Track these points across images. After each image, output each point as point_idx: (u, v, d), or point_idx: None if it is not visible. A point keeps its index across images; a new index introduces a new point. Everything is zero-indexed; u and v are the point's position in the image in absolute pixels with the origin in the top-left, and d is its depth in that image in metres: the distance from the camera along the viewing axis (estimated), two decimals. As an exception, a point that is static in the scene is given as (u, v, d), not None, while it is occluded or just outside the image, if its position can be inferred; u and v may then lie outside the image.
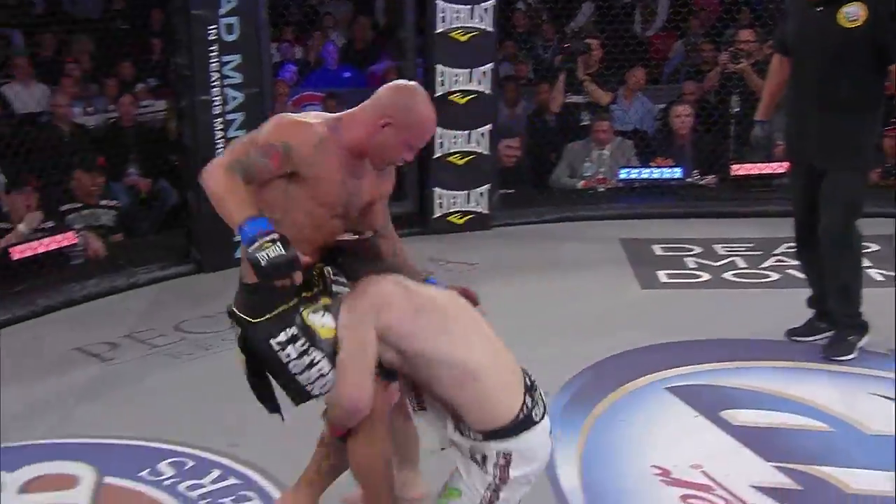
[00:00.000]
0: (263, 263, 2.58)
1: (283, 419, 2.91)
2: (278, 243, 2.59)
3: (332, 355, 2.71)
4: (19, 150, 5.90)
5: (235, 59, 5.90)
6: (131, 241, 6.39)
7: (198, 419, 4.08)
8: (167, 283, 5.99)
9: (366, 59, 8.51)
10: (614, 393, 4.17)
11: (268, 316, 2.75)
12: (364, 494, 2.86)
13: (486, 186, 6.95)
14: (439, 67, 6.62)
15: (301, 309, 2.75)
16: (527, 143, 7.68)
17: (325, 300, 2.81)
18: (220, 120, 5.93)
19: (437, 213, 6.92)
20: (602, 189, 7.40)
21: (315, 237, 2.81)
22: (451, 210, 6.94)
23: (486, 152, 6.87)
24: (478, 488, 2.55)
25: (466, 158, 6.83)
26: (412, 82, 2.89)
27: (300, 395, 2.79)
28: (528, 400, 2.58)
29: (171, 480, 3.58)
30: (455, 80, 6.66)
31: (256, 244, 2.60)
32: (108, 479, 3.62)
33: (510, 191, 7.24)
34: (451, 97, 6.66)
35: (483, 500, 2.54)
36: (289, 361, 2.73)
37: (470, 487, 2.56)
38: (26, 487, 3.60)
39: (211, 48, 5.82)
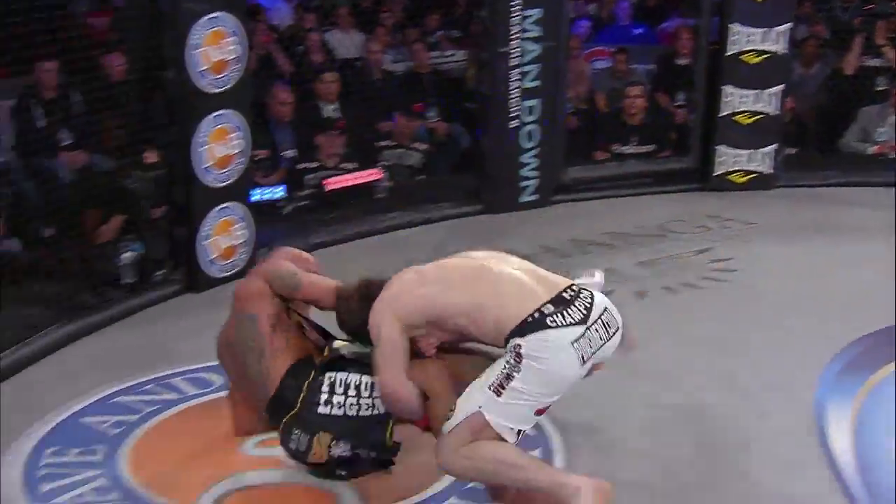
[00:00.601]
0: None
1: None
2: None
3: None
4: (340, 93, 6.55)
5: (536, 13, 6.21)
6: (427, 180, 6.91)
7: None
8: (457, 220, 6.46)
9: (657, 17, 8.56)
10: (890, 364, 4.16)
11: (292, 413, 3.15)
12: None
13: (773, 147, 6.90)
14: (734, 26, 6.62)
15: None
16: (818, 104, 7.49)
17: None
18: (516, 71, 6.30)
19: (719, 171, 6.96)
20: (894, 156, 7.11)
21: None
22: (734, 168, 6.95)
23: (775, 112, 6.81)
24: (496, 369, 2.93)
25: (754, 118, 6.80)
26: None
27: (375, 427, 3.14)
28: (549, 308, 2.90)
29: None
30: (749, 39, 6.63)
31: None
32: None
33: (792, 150, 7.13)
34: (742, 56, 6.66)
35: (498, 376, 2.91)
36: (344, 412, 3.12)
37: (493, 368, 2.95)
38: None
39: (513, 2, 6.15)
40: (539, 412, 2.98)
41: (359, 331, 3.14)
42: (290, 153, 6.49)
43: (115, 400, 3.90)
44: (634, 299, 5.10)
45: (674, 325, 4.73)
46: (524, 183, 6.57)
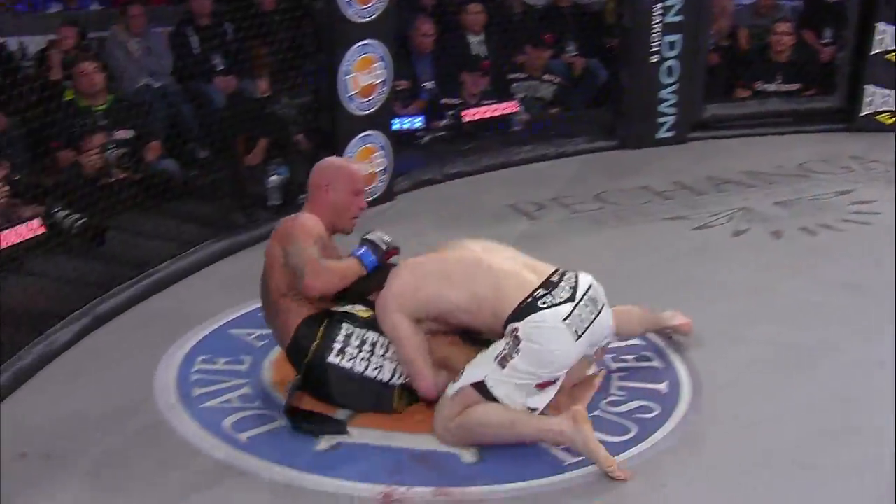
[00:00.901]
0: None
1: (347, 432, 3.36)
2: None
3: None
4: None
5: (681, -54, 6.10)
6: (563, 114, 6.92)
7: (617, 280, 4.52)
8: (592, 155, 6.48)
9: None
10: None
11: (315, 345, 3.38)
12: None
13: (925, 87, 6.64)
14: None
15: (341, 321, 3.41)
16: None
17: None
18: (658, 5, 6.23)
19: (866, 111, 6.74)
20: None
21: None
22: (882, 109, 6.71)
23: (931, 50, 6.54)
24: (498, 347, 3.21)
25: (907, 57, 6.55)
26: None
27: (382, 393, 3.38)
28: (540, 291, 3.20)
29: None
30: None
31: None
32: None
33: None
34: (899, -8, 6.40)
35: (499, 355, 3.18)
36: (352, 366, 3.35)
37: (495, 346, 3.22)
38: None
39: (658, -65, 6.06)
40: (540, 386, 3.19)
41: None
42: (429, 85, 6.61)
43: (261, 314, 4.13)
44: (769, 239, 5.06)
45: (809, 267, 4.68)
46: (661, 119, 6.52)
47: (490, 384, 3.19)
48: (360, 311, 3.48)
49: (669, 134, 6.55)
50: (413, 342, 3.32)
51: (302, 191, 5.30)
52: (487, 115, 6.30)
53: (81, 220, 4.59)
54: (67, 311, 4.11)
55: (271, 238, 3.52)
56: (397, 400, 3.43)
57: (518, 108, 6.49)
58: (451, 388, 3.25)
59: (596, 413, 3.43)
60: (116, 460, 3.26)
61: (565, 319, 3.17)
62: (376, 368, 3.39)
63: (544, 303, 3.18)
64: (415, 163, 5.97)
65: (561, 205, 5.63)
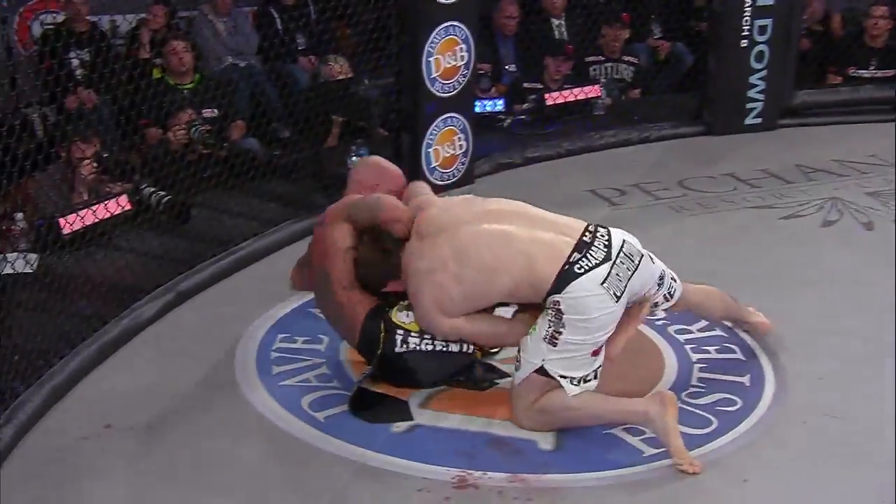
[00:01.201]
0: None
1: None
2: None
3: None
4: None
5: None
6: (647, 98, 6.81)
7: (700, 269, 4.44)
8: (676, 141, 6.34)
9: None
10: None
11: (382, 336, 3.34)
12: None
13: None
14: None
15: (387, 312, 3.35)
16: None
17: (403, 303, 3.35)
18: (751, -11, 6.08)
19: None
20: None
21: None
22: None
23: None
24: (543, 327, 3.14)
25: None
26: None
27: (461, 360, 3.37)
28: (575, 255, 3.10)
29: (663, 322, 3.94)
30: None
31: None
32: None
33: None
34: None
35: (547, 334, 3.12)
36: (422, 347, 3.32)
37: (541, 326, 3.15)
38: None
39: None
40: (595, 353, 3.14)
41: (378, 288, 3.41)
42: (511, 68, 6.56)
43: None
44: (861, 230, 4.91)
45: (902, 260, 4.54)
46: (750, 105, 6.36)
47: (548, 366, 3.14)
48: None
49: (757, 121, 6.39)
50: (480, 330, 3.29)
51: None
52: (570, 99, 6.23)
53: (167, 198, 4.68)
54: (152, 286, 4.19)
55: (328, 220, 3.46)
56: (480, 359, 3.44)
57: (600, 93, 6.39)
58: (517, 377, 3.22)
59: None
60: (197, 435, 3.32)
61: (603, 283, 3.08)
62: (444, 345, 3.36)
63: (580, 267, 3.09)
64: (495, 146, 5.94)
65: (643, 191, 5.54)
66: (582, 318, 3.09)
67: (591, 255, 3.11)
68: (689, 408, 3.37)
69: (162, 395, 3.54)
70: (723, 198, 5.40)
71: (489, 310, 3.33)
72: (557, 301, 3.09)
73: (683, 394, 3.46)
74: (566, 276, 3.08)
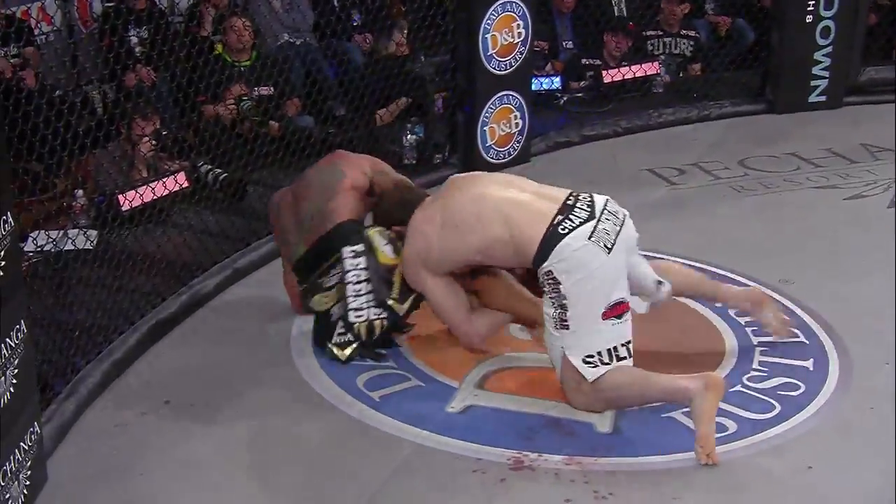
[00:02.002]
0: None
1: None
2: None
3: (379, 282, 3.47)
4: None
5: None
6: (707, 75, 6.67)
7: (761, 251, 4.37)
8: (737, 119, 6.22)
9: None
10: None
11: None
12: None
13: None
14: None
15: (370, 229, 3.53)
16: None
17: (390, 234, 3.52)
18: (815, -37, 5.92)
19: None
20: None
21: None
22: None
23: None
24: (548, 312, 3.14)
25: None
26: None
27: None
28: (558, 218, 3.12)
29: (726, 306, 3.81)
30: None
31: None
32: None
33: None
34: None
35: (556, 319, 3.11)
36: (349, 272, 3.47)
37: (547, 315, 3.15)
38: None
39: None
40: (607, 315, 3.07)
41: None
42: (569, 44, 6.47)
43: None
44: (928, 212, 4.79)
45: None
46: (814, 82, 6.21)
47: (571, 354, 3.11)
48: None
49: (822, 98, 6.24)
50: (445, 293, 3.39)
51: (438, 150, 5.36)
52: (627, 76, 6.13)
53: (224, 175, 4.69)
54: (209, 263, 4.22)
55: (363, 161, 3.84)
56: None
57: (659, 70, 6.28)
58: (557, 374, 3.20)
59: (737, 388, 3.32)
60: (254, 411, 3.34)
61: (590, 237, 3.09)
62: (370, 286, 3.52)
63: (564, 228, 3.11)
64: (552, 124, 5.87)
65: (702, 170, 5.44)
66: (579, 277, 3.07)
67: (574, 215, 3.15)
68: (750, 392, 3.31)
69: (219, 372, 3.56)
70: (785, 178, 5.29)
71: (491, 308, 3.50)
72: (550, 271, 3.09)
73: (745, 377, 3.40)
74: (551, 237, 3.11)
